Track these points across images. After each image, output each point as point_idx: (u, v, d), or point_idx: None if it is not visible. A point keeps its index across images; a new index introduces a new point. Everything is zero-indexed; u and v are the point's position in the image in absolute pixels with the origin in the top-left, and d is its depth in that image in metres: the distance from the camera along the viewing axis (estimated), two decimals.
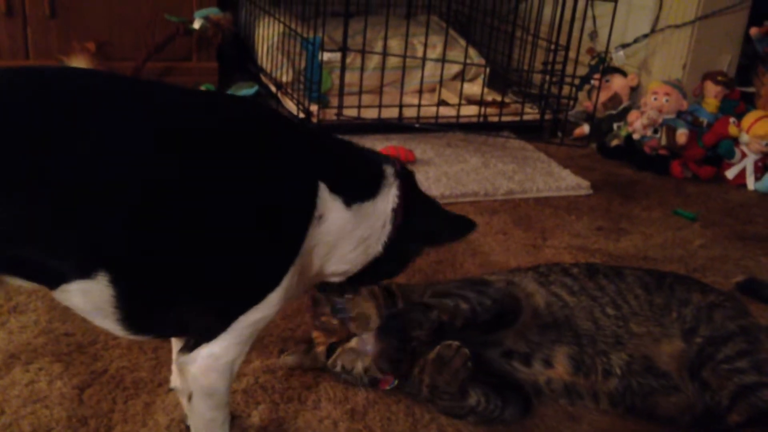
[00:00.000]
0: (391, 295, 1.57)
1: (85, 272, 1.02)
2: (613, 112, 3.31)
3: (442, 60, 3.12)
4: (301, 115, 2.99)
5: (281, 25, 3.22)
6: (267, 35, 3.31)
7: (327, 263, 1.23)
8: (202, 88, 3.14)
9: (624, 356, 1.54)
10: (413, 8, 3.55)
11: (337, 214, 1.18)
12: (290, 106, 3.13)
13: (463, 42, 3.46)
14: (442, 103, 3.32)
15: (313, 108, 2.99)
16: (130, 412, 1.43)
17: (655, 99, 3.09)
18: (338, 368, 1.53)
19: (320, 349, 1.54)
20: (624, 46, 3.39)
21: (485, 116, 3.18)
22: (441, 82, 3.34)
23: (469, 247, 2.24)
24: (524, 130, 3.26)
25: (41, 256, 1.01)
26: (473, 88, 3.38)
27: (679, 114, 3.09)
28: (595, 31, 3.47)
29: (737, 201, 2.85)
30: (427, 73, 3.29)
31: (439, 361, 1.44)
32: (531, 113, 3.32)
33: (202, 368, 1.15)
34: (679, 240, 2.44)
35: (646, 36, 3.36)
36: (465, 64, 3.28)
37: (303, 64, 3.16)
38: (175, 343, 1.37)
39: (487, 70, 3.49)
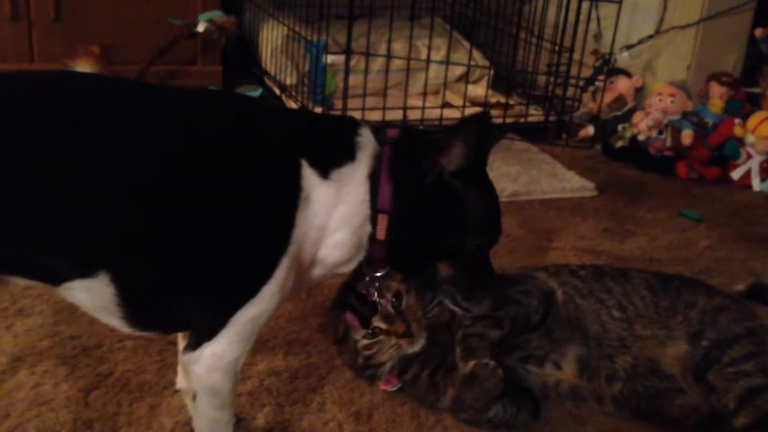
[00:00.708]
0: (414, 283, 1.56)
1: (85, 271, 1.06)
2: (618, 113, 3.30)
3: (446, 62, 3.12)
4: None
5: (285, 28, 3.23)
6: (271, 38, 3.31)
7: (322, 251, 1.19)
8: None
9: (629, 359, 1.54)
10: (417, 11, 3.55)
11: (320, 191, 1.15)
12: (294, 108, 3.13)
13: (467, 44, 3.46)
14: (446, 105, 3.32)
15: (318, 110, 2.99)
16: (135, 415, 1.43)
17: (660, 100, 3.09)
18: (361, 347, 1.51)
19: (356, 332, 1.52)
20: (628, 47, 3.39)
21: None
22: (445, 84, 3.34)
23: None
24: (529, 132, 3.26)
25: (41, 256, 1.04)
26: (477, 90, 3.38)
27: (684, 115, 3.08)
28: (600, 33, 3.47)
29: (743, 202, 2.84)
30: (431, 75, 3.29)
31: (472, 379, 1.43)
32: (535, 115, 3.32)
33: (206, 368, 1.15)
34: (685, 241, 2.44)
35: (650, 37, 3.36)
36: (469, 66, 3.28)
37: (307, 67, 3.17)
38: (181, 344, 1.38)
39: (492, 71, 3.49)
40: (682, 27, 3.26)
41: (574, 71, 3.20)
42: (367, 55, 3.00)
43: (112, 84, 1.17)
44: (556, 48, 3.27)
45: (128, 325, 1.14)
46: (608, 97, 3.32)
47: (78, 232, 1.04)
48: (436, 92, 3.45)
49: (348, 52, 2.89)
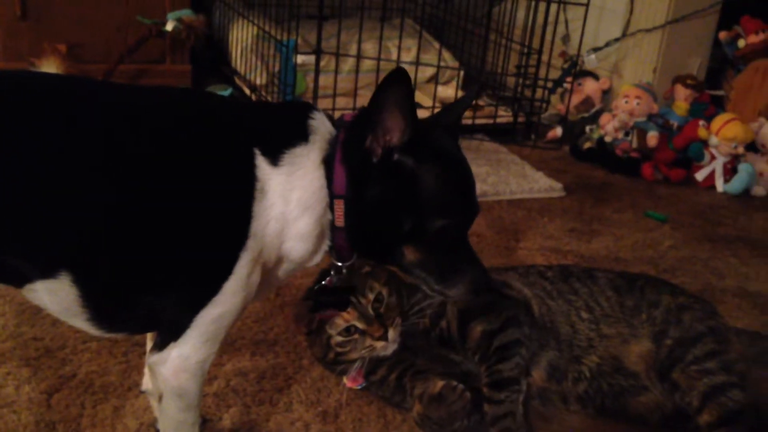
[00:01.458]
0: (396, 286, 1.56)
1: (46, 272, 1.04)
2: (586, 114, 3.34)
3: (416, 63, 3.13)
4: None
5: (255, 28, 3.21)
6: (241, 37, 3.30)
7: (286, 244, 1.16)
8: None
9: (595, 359, 1.56)
10: (388, 11, 3.55)
11: (274, 178, 1.12)
12: None
13: (437, 45, 3.48)
14: (416, 105, 3.32)
15: None
16: (99, 417, 1.42)
17: (626, 102, 3.13)
18: (335, 344, 1.50)
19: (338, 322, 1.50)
20: (596, 49, 3.43)
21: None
22: (415, 85, 3.34)
23: None
24: (498, 133, 3.29)
25: (1, 257, 1.03)
26: (447, 91, 3.40)
27: (650, 117, 3.12)
28: (568, 35, 3.50)
29: (707, 203, 2.89)
30: None
31: (439, 400, 1.43)
32: (505, 116, 3.35)
33: (173, 369, 1.14)
34: (650, 241, 2.47)
35: (617, 40, 3.40)
36: (439, 67, 3.29)
37: (277, 67, 3.16)
38: (150, 345, 1.36)
39: (461, 73, 3.50)
40: (648, 30, 3.30)
41: (542, 73, 3.23)
42: (338, 55, 3.00)
43: (60, 82, 1.15)
44: (525, 50, 3.30)
45: (95, 327, 1.13)
46: (576, 99, 3.36)
47: (36, 232, 1.02)
48: None
49: (318, 52, 2.89)
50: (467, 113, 3.21)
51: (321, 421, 1.48)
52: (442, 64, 3.33)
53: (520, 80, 3.34)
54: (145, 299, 1.11)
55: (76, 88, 1.10)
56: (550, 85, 3.29)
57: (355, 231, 1.17)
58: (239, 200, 1.11)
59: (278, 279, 1.24)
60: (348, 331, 1.49)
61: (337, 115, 1.26)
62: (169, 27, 3.12)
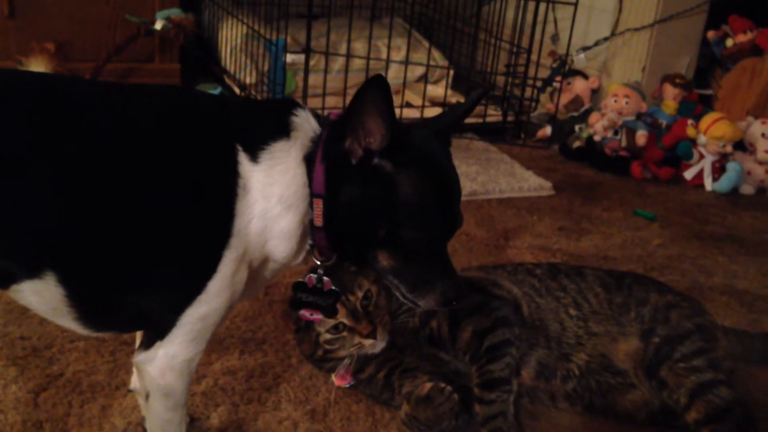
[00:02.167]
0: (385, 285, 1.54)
1: (31, 273, 1.04)
2: (575, 114, 3.35)
3: (406, 62, 3.13)
4: None
5: (245, 27, 3.21)
6: (230, 36, 3.29)
7: (270, 243, 1.15)
8: None
9: (583, 356, 1.56)
10: (377, 11, 3.55)
11: (254, 174, 1.11)
12: None
13: (426, 44, 3.48)
14: (406, 105, 3.33)
15: None
16: (86, 416, 1.41)
17: (615, 101, 3.14)
18: (323, 341, 1.50)
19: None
20: (585, 48, 3.43)
21: None
22: (405, 84, 3.35)
23: None
24: (488, 132, 3.29)
25: None
26: (437, 90, 3.40)
27: (639, 116, 3.14)
28: (557, 34, 3.51)
29: (695, 201, 2.90)
30: (391, 75, 3.30)
31: (427, 402, 1.43)
32: (494, 115, 3.35)
33: (159, 368, 1.14)
34: (638, 240, 2.48)
35: (606, 39, 3.41)
36: (428, 66, 3.30)
37: (267, 66, 3.15)
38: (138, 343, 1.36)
39: (451, 72, 3.51)
40: (637, 29, 3.32)
41: (531, 72, 3.24)
42: (327, 54, 3.00)
43: (45, 81, 1.14)
44: (514, 49, 3.31)
45: (82, 327, 1.13)
46: (565, 98, 3.37)
47: (19, 232, 1.02)
48: (396, 92, 3.46)
49: (308, 51, 2.89)
50: None
51: (309, 420, 1.48)
52: (432, 63, 3.33)
53: (510, 79, 3.35)
54: (131, 298, 1.11)
55: (56, 86, 1.10)
56: (539, 84, 3.30)
57: (331, 231, 1.16)
58: (221, 197, 1.10)
59: (265, 278, 1.23)
60: (336, 328, 1.49)
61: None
62: (158, 26, 3.11)
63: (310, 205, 1.15)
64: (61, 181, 1.02)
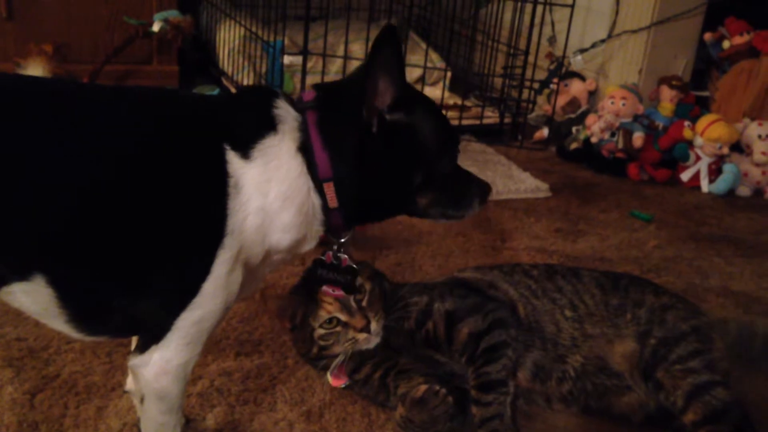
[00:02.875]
0: (379, 282, 1.57)
1: (21, 275, 1.04)
2: (572, 115, 3.35)
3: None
4: None
5: (242, 29, 3.21)
6: (228, 38, 3.29)
7: (273, 236, 1.15)
8: None
9: (579, 358, 1.56)
10: (375, 12, 3.56)
11: (247, 173, 1.11)
12: None
13: (424, 46, 3.49)
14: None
15: None
16: (82, 417, 1.41)
17: (612, 103, 3.14)
18: (318, 337, 1.50)
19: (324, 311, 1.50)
20: (582, 50, 3.44)
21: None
22: None
23: (428, 249, 2.25)
24: (485, 134, 3.30)
25: None
26: (435, 92, 3.41)
27: (636, 118, 3.14)
28: (554, 36, 3.52)
29: (692, 203, 2.91)
30: None
31: (422, 404, 1.43)
32: (491, 117, 3.36)
33: (154, 372, 1.14)
34: (635, 241, 2.48)
35: (603, 41, 3.42)
36: (426, 68, 3.30)
37: (264, 68, 3.16)
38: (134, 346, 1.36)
39: (449, 74, 3.52)
40: (634, 31, 3.32)
41: (529, 74, 3.24)
42: (325, 56, 3.01)
43: (32, 83, 1.14)
44: (512, 51, 3.31)
45: (75, 330, 1.12)
46: (562, 100, 3.37)
47: (6, 233, 1.02)
48: None
49: (305, 53, 2.89)
50: (453, 114, 3.22)
51: (305, 421, 1.48)
52: (429, 64, 3.33)
53: (507, 81, 3.35)
54: (123, 301, 1.10)
55: (40, 89, 1.09)
56: (536, 86, 3.31)
57: (356, 205, 1.20)
58: (212, 198, 1.10)
59: (264, 275, 1.24)
60: (330, 322, 1.49)
61: None
62: (156, 28, 3.11)
63: (312, 192, 1.16)
64: (46, 183, 1.02)
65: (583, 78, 3.45)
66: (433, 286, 1.64)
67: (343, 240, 1.29)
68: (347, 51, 3.05)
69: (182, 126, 1.13)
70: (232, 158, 1.11)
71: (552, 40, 3.52)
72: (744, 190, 3.05)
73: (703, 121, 3.04)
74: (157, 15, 3.15)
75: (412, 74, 3.46)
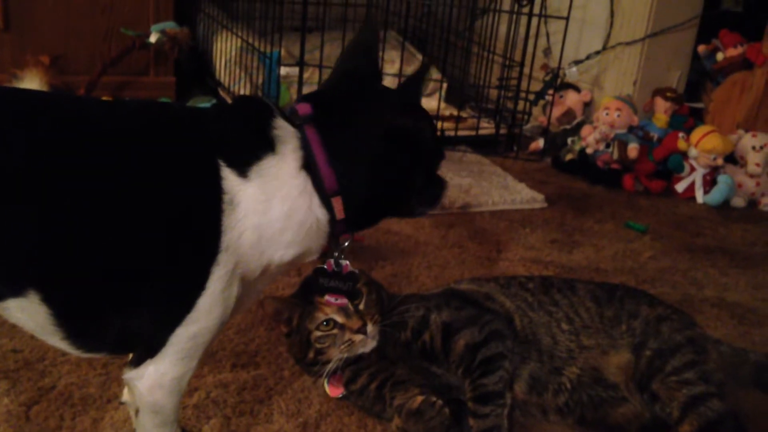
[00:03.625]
0: (376, 288, 1.58)
1: (15, 290, 1.04)
2: (567, 126, 3.37)
3: (399, 75, 3.15)
4: None
5: (239, 40, 3.22)
6: (225, 49, 3.31)
7: (272, 252, 1.15)
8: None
9: (575, 370, 1.56)
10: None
11: (244, 191, 1.10)
12: None
13: (420, 57, 3.50)
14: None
15: None
16: (78, 429, 1.41)
17: (607, 114, 3.16)
18: (314, 339, 1.50)
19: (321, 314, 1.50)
20: (577, 62, 3.46)
21: (442, 130, 3.22)
22: None
23: (424, 260, 2.26)
24: (480, 145, 3.31)
25: None
26: (431, 103, 3.41)
27: (631, 129, 3.16)
28: (549, 48, 3.54)
29: (686, 214, 2.92)
30: None
31: (418, 416, 1.43)
32: (487, 128, 3.37)
33: (149, 385, 1.14)
34: (630, 252, 2.49)
35: (598, 53, 3.44)
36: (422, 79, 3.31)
37: (261, 79, 3.17)
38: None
39: (444, 85, 3.53)
40: (628, 43, 3.35)
41: (524, 85, 3.26)
42: (321, 67, 3.02)
43: (26, 97, 1.13)
44: (507, 62, 3.33)
45: (72, 346, 1.11)
46: (558, 111, 3.39)
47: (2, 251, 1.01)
48: None
49: (302, 64, 2.91)
50: (449, 125, 3.23)
51: None
52: (426, 76, 3.34)
53: (503, 92, 3.37)
54: (118, 318, 1.10)
55: (31, 103, 1.09)
56: (531, 97, 3.33)
57: (360, 214, 1.22)
58: (206, 214, 1.09)
59: (263, 287, 1.24)
60: (327, 323, 1.49)
61: None
62: (152, 39, 3.13)
63: (319, 206, 1.16)
64: (36, 199, 1.01)
65: (578, 89, 3.47)
66: (429, 297, 1.65)
67: (344, 246, 1.31)
68: None
69: (175, 142, 1.12)
70: (228, 175, 1.10)
71: (547, 51, 3.54)
72: (738, 201, 3.07)
73: (698, 133, 3.06)
74: (154, 26, 3.16)
75: None
